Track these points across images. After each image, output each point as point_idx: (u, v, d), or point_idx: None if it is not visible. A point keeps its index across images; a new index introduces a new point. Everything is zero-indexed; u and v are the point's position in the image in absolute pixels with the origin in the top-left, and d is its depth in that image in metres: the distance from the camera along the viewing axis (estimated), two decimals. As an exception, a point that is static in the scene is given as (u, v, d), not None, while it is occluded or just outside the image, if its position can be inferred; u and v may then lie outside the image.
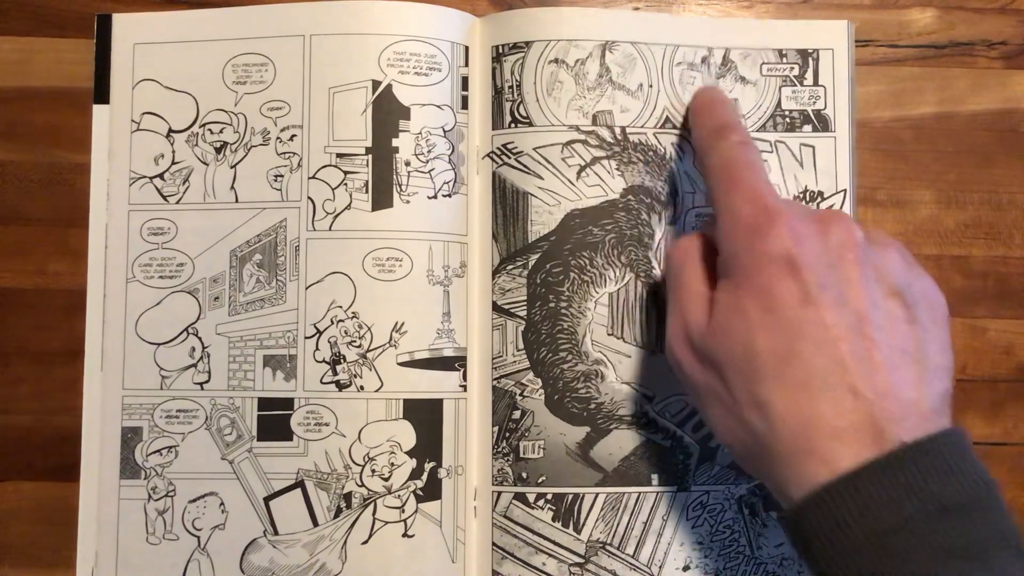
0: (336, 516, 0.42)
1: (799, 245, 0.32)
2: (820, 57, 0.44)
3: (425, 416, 0.42)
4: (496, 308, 0.43)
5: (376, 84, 0.42)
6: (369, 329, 0.42)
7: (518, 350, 0.42)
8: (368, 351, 0.42)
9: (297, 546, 0.42)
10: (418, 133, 0.42)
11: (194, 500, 0.42)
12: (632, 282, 0.43)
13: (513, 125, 0.43)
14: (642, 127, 0.43)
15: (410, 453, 0.42)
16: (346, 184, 0.42)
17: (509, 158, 0.43)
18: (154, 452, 0.43)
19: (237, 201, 0.43)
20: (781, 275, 0.32)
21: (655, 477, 0.42)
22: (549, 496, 0.42)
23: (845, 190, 0.44)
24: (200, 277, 0.43)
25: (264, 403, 0.42)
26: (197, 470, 0.42)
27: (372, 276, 0.42)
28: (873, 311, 0.32)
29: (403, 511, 0.42)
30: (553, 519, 0.42)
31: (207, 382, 0.43)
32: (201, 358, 0.43)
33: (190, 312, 0.43)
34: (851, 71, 0.44)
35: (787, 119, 0.44)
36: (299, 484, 0.42)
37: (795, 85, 0.44)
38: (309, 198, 0.43)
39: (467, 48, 0.43)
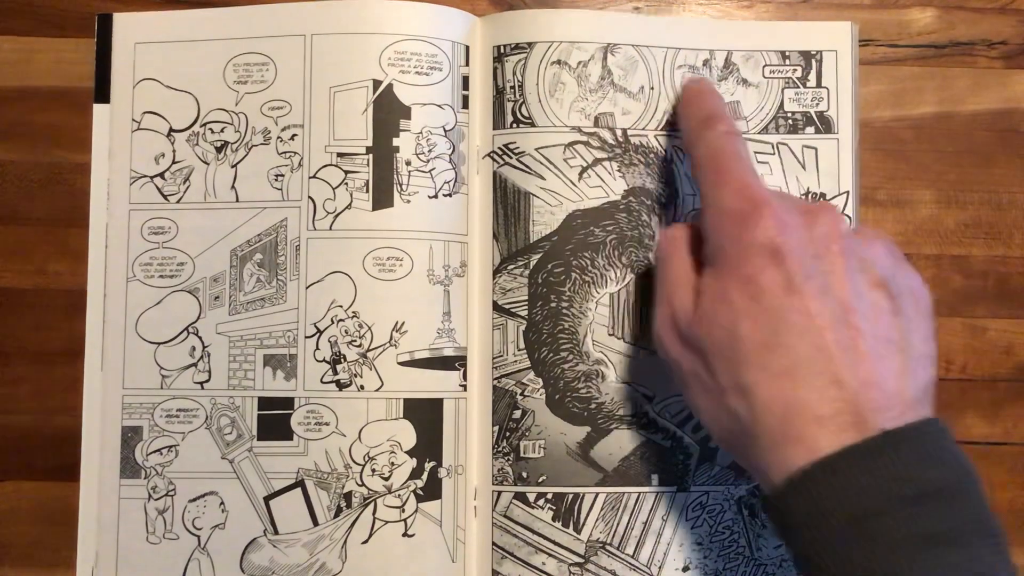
0: (336, 515, 0.42)
1: (784, 235, 0.32)
2: (823, 59, 0.44)
3: (425, 416, 0.42)
4: (497, 308, 0.43)
5: (377, 83, 0.42)
6: (369, 328, 0.42)
7: (519, 350, 0.42)
8: (368, 351, 0.42)
9: (297, 545, 0.42)
10: (419, 132, 0.42)
11: (194, 499, 0.42)
12: (633, 283, 0.43)
13: (515, 125, 0.43)
14: (643, 129, 0.43)
15: (410, 453, 0.42)
16: (347, 183, 0.42)
17: (511, 158, 0.43)
18: (154, 451, 0.43)
19: (238, 200, 0.43)
20: (766, 264, 0.32)
21: (655, 477, 0.42)
22: (549, 496, 0.42)
23: (848, 192, 0.44)
24: (200, 276, 0.43)
25: (264, 402, 0.42)
26: (197, 469, 0.42)
27: (372, 276, 0.42)
28: (857, 301, 0.32)
29: (403, 511, 0.42)
30: (553, 519, 0.42)
31: (207, 381, 0.43)
32: (201, 357, 0.43)
33: (190, 311, 0.43)
34: (854, 72, 0.44)
35: (789, 121, 0.44)
36: (299, 483, 0.42)
37: (798, 87, 0.44)
38: (310, 197, 0.43)
39: (468, 48, 0.43)
